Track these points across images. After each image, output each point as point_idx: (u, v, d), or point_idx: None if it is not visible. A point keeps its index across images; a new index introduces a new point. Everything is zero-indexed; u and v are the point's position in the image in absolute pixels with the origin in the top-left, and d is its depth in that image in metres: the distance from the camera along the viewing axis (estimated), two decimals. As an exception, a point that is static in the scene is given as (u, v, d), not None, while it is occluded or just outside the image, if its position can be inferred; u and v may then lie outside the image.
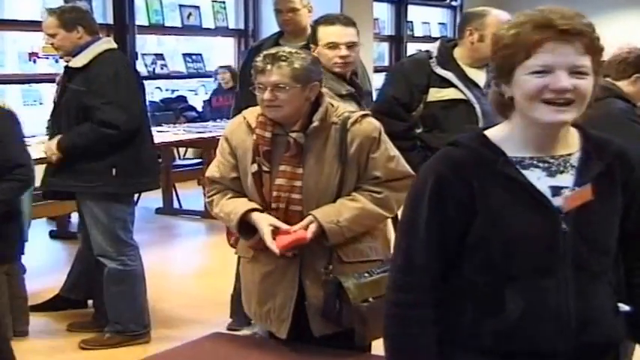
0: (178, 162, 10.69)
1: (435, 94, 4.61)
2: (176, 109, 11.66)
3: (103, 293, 5.38)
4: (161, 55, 10.48)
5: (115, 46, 5.38)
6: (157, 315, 5.70)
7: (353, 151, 3.50)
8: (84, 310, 5.91)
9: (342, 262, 3.54)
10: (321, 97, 3.58)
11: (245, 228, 3.56)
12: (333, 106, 3.60)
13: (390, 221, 3.79)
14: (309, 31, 5.60)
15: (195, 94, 15.23)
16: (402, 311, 2.28)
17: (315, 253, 3.53)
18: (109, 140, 5.07)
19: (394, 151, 3.63)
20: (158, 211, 9.73)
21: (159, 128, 9.24)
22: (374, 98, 5.13)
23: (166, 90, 11.98)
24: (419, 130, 4.67)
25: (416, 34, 13.85)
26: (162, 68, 10.35)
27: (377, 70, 11.44)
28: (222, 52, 12.20)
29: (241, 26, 11.20)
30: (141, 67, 9.75)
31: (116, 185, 5.15)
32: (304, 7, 5.68)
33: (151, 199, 8.61)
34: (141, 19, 9.94)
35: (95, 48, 5.17)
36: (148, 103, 7.81)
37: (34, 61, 9.91)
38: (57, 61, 8.36)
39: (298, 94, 3.46)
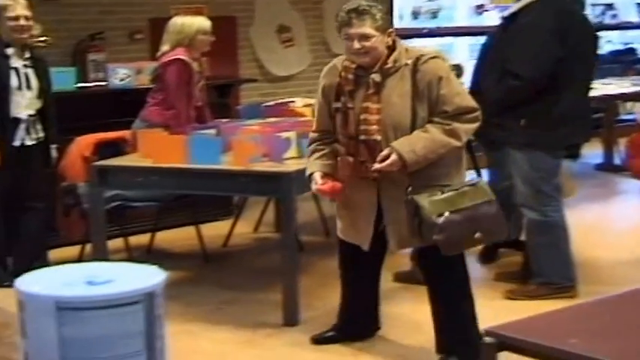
0: (623, 117, 10.26)
1: None
2: (625, 61, 11.19)
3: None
4: (611, 5, 10.09)
5: None
6: (589, 270, 5.59)
7: (422, 87, 4.07)
8: (513, 259, 5.94)
9: (417, 185, 4.07)
10: (396, 42, 4.17)
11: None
12: (407, 50, 4.17)
13: (463, 153, 4.28)
14: None
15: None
16: None
17: (392, 180, 4.13)
18: (516, 92, 5.08)
19: (460, 88, 4.23)
20: (598, 167, 9.43)
21: (604, 81, 8.93)
22: None
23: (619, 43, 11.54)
24: None
25: None
26: (612, 18, 9.98)
27: None
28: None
29: None
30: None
31: (526, 137, 5.12)
32: None
33: (591, 154, 8.46)
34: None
35: None
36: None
37: (481, 14, 10.09)
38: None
39: (380, 41, 4.09)
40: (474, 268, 5.88)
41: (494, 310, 5.00)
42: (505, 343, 3.09)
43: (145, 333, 1.26)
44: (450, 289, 4.37)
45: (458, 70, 5.78)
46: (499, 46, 5.25)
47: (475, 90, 5.33)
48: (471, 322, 4.34)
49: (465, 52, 10.34)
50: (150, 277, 1.31)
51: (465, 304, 4.38)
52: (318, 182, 4.23)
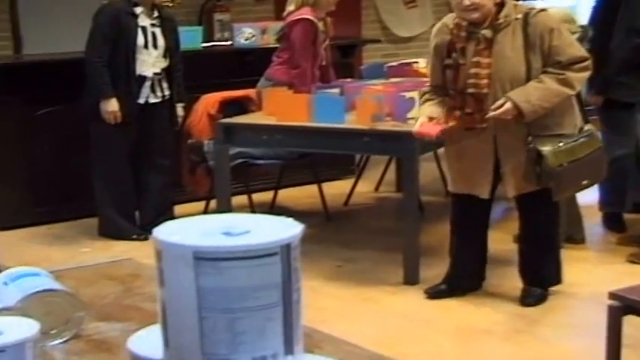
0: None
1: None
2: None
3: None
4: None
5: None
6: None
7: (534, 40, 4.25)
8: (637, 223, 5.84)
9: (536, 135, 4.28)
10: None
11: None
12: (515, 5, 4.36)
13: (575, 102, 4.47)
14: None
15: None
16: None
17: (508, 129, 4.31)
18: (636, 48, 5.03)
19: (571, 38, 4.40)
20: None
21: None
22: None
23: None
24: None
25: None
26: None
27: None
28: None
29: None
30: None
31: (623, 95, 5.16)
32: None
33: None
34: None
35: None
36: None
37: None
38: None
39: None
40: (596, 232, 5.83)
41: (616, 273, 4.96)
42: (631, 307, 3.07)
43: (282, 285, 1.29)
44: (546, 228, 4.58)
45: (583, 31, 5.68)
46: (629, 3, 5.15)
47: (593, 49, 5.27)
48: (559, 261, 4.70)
49: (587, 13, 10.12)
50: (287, 228, 1.34)
51: (557, 243, 4.74)
52: (416, 126, 4.46)
